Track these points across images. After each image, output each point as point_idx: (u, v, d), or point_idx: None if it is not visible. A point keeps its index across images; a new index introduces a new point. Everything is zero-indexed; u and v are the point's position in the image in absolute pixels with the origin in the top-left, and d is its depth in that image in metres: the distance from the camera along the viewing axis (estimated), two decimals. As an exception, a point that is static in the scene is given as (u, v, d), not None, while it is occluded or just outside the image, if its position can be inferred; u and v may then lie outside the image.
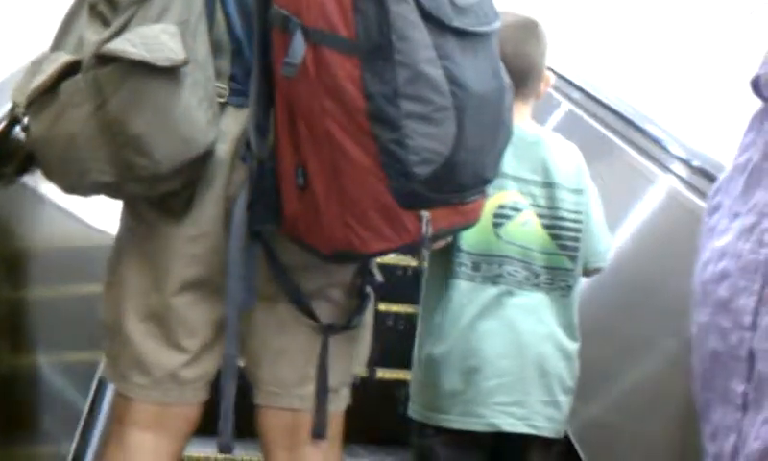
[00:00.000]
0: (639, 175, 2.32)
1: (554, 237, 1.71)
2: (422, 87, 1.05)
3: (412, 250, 1.20)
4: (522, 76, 1.67)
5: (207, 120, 1.15)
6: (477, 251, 1.68)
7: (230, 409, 1.21)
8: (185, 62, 1.08)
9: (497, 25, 1.16)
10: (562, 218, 1.72)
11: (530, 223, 1.70)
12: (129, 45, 1.05)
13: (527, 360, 1.69)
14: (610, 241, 1.82)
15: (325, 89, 1.06)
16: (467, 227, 1.24)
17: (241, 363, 1.31)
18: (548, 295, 1.72)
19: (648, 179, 2.28)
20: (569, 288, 1.74)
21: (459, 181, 1.12)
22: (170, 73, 1.07)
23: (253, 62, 1.16)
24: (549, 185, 1.72)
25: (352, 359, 1.35)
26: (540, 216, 1.71)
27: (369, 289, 1.34)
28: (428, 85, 1.06)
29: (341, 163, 1.08)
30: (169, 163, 1.11)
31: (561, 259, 1.72)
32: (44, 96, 1.11)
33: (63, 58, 1.10)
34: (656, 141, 2.30)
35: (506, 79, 1.17)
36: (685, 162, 2.10)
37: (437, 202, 1.11)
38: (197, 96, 1.12)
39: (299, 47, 1.05)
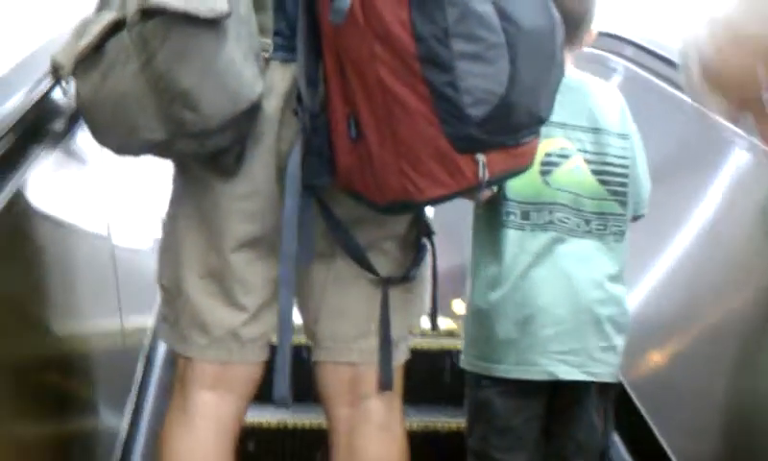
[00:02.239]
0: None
1: (603, 183, 1.72)
2: (473, 25, 1.05)
3: (468, 194, 1.19)
4: (574, 23, 1.66)
5: (253, 74, 1.15)
6: (526, 199, 1.69)
7: (287, 362, 1.23)
8: (229, 14, 1.08)
9: None
10: (609, 163, 1.73)
11: (578, 169, 1.71)
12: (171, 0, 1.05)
13: (581, 307, 1.70)
14: (649, 186, 1.84)
15: (374, 34, 1.06)
16: (522, 170, 1.23)
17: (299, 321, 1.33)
18: (600, 241, 1.73)
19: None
20: (621, 233, 1.75)
21: (514, 121, 1.11)
22: (214, 25, 1.08)
23: (299, 15, 1.16)
24: (596, 131, 1.73)
25: (410, 313, 1.37)
26: (588, 162, 1.72)
27: (424, 240, 1.34)
28: (479, 23, 1.05)
29: (393, 110, 1.07)
30: (217, 117, 1.12)
31: (611, 205, 1.73)
32: (91, 57, 1.11)
33: (108, 16, 1.11)
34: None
35: (557, 15, 1.16)
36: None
37: (492, 144, 1.11)
38: (241, 50, 1.13)
39: None
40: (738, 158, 1.97)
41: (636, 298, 2.13)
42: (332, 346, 1.33)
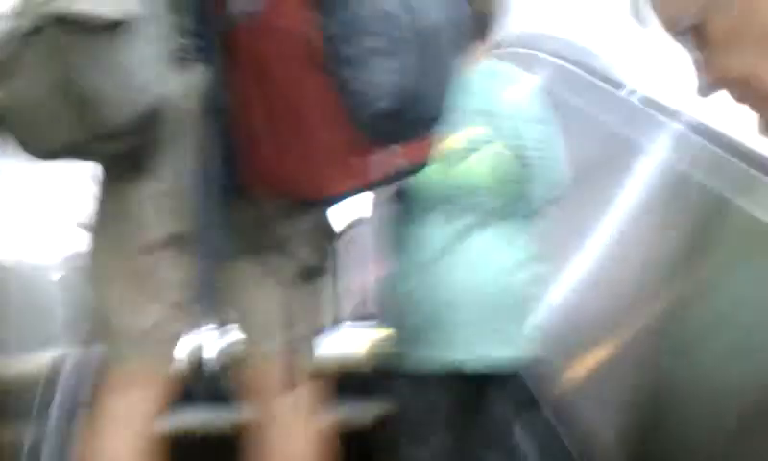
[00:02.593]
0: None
1: (520, 167, 1.76)
2: (379, 21, 1.07)
3: (379, 186, 1.23)
4: (485, 20, 1.75)
5: (164, 74, 1.17)
6: (447, 184, 1.72)
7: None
8: (136, 16, 1.10)
9: None
10: (525, 147, 1.77)
11: (498, 154, 1.75)
12: (84, 2, 1.07)
13: (497, 290, 1.74)
14: (566, 172, 1.89)
15: (283, 33, 1.09)
16: (432, 160, 1.27)
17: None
18: (518, 222, 1.79)
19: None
20: (536, 215, 1.81)
21: (420, 113, 1.15)
22: (124, 27, 1.09)
23: (211, 17, 1.18)
24: (512, 117, 1.78)
25: (318, 310, 1.40)
26: (506, 147, 1.76)
27: (329, 240, 1.38)
28: (385, 19, 1.08)
29: (304, 106, 1.10)
30: (126, 116, 1.13)
31: (529, 188, 1.78)
32: (4, 64, 1.12)
33: (22, 24, 1.12)
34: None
35: (464, 8, 1.20)
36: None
37: (400, 136, 1.15)
38: (152, 51, 1.14)
39: None
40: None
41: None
42: (244, 346, 1.36)
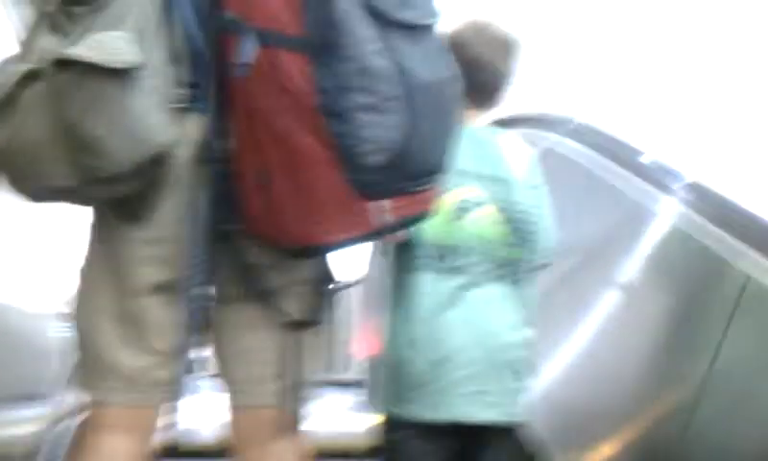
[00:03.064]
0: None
1: (512, 231, 1.80)
2: (371, 79, 1.12)
3: (372, 239, 1.27)
4: (491, 87, 1.83)
5: (164, 123, 1.20)
6: (441, 242, 1.76)
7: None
8: (139, 65, 1.14)
9: (438, 18, 1.24)
10: (519, 212, 1.81)
11: (490, 217, 1.79)
12: (85, 50, 1.11)
13: (490, 350, 1.76)
14: (554, 237, 1.91)
15: (278, 87, 1.13)
16: (425, 216, 1.30)
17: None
18: (509, 286, 1.81)
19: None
20: (527, 280, 1.84)
21: (412, 169, 1.18)
22: (125, 76, 1.13)
23: (209, 66, 1.22)
24: (507, 181, 1.82)
25: (316, 356, 1.41)
26: (499, 210, 1.80)
27: (328, 285, 1.40)
28: (376, 77, 1.12)
29: (298, 158, 1.14)
30: (126, 163, 1.16)
31: (519, 252, 1.81)
32: (4, 106, 1.15)
33: (21, 68, 1.15)
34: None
35: (454, 69, 1.25)
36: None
37: (392, 191, 1.18)
38: (153, 100, 1.18)
39: (250, 48, 1.12)
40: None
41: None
42: (241, 389, 1.37)
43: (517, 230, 1.80)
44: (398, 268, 1.80)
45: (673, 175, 2.18)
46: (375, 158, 1.13)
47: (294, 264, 1.33)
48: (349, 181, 1.14)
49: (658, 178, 2.24)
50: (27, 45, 1.19)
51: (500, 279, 1.80)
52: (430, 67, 1.18)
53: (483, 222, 1.78)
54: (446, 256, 1.75)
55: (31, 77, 1.14)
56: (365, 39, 1.12)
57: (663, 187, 2.19)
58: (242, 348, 1.35)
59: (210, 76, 1.22)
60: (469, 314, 1.76)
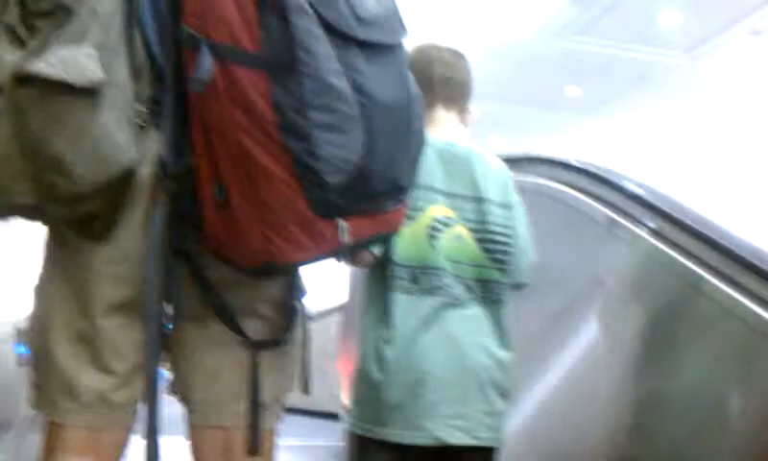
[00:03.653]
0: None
1: (485, 251, 1.79)
2: (329, 98, 1.12)
3: (332, 257, 1.25)
4: (460, 91, 1.86)
5: (127, 140, 1.19)
6: (414, 263, 1.74)
7: (157, 427, 1.24)
8: (102, 82, 1.12)
9: (404, 38, 1.24)
10: (491, 232, 1.79)
11: (461, 237, 1.78)
12: (46, 66, 1.08)
13: (467, 372, 1.75)
14: (531, 257, 1.90)
15: (236, 104, 1.12)
16: (388, 236, 1.31)
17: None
18: (482, 307, 1.79)
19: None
20: (501, 301, 1.82)
21: (372, 189, 1.19)
22: (88, 93, 1.11)
23: (167, 82, 1.21)
24: (478, 200, 1.80)
25: (284, 376, 1.40)
26: (471, 230, 1.78)
27: (297, 304, 1.38)
28: (334, 96, 1.12)
29: (256, 176, 1.13)
30: (89, 182, 1.14)
31: (491, 272, 1.80)
32: None
33: None
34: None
35: (415, 89, 1.25)
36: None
37: (351, 210, 1.18)
38: (115, 117, 1.16)
39: (206, 63, 1.11)
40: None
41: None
42: (205, 409, 1.35)
43: (490, 250, 1.79)
44: (372, 289, 1.80)
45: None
46: (334, 178, 1.13)
47: (255, 283, 1.32)
48: (308, 200, 1.14)
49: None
50: None
51: (475, 300, 1.78)
52: (390, 87, 1.18)
53: (454, 243, 1.77)
54: (419, 278, 1.74)
55: None
56: (323, 57, 1.12)
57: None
58: (204, 367, 1.33)
59: (168, 91, 1.21)
60: (444, 336, 1.74)
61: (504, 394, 1.81)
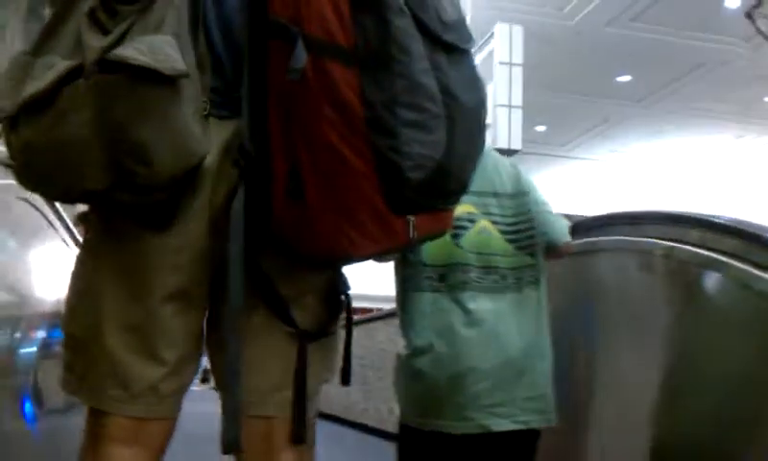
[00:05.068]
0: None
1: (510, 240, 1.91)
2: (419, 96, 1.15)
3: (396, 252, 1.30)
4: None
5: (201, 131, 1.21)
6: (441, 262, 1.85)
7: (237, 409, 1.26)
8: (187, 74, 1.14)
9: (473, 44, 1.28)
10: (514, 222, 1.92)
11: (486, 230, 1.89)
12: (137, 53, 1.09)
13: (507, 361, 1.85)
14: (565, 221, 2.05)
15: (325, 96, 1.14)
16: (443, 232, 1.33)
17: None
18: (518, 293, 1.90)
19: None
20: (537, 281, 1.94)
21: (447, 187, 1.22)
22: (173, 82, 1.12)
23: (245, 71, 1.23)
24: (496, 195, 1.93)
25: (325, 367, 1.42)
26: (495, 223, 1.91)
27: (342, 296, 1.40)
28: (424, 95, 1.15)
29: (336, 168, 1.15)
30: (168, 172, 1.16)
31: (522, 258, 1.92)
32: (39, 102, 1.12)
33: (64, 64, 1.12)
34: None
35: (485, 92, 1.28)
36: None
37: (426, 206, 1.21)
38: (192, 108, 1.18)
39: (301, 54, 1.13)
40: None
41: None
42: (250, 399, 1.35)
43: (516, 239, 1.92)
44: (407, 289, 1.91)
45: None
46: (415, 175, 1.16)
47: (306, 274, 1.33)
48: (387, 195, 1.16)
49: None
50: (55, 37, 1.16)
51: (508, 288, 1.89)
52: (468, 90, 1.21)
53: (481, 237, 1.88)
54: (447, 276, 1.86)
55: (71, 74, 1.11)
56: (417, 57, 1.15)
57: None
58: (247, 356, 1.33)
59: (244, 79, 1.24)
60: (481, 328, 1.85)
61: (546, 377, 1.90)
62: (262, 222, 1.23)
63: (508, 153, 6.55)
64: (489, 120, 6.48)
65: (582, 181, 13.41)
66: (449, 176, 1.20)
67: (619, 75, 9.76)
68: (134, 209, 1.24)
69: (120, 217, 1.27)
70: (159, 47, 1.11)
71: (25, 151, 1.15)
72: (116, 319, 1.27)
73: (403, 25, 1.14)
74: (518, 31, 6.61)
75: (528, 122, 7.21)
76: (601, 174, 13.09)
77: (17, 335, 2.17)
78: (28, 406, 2.24)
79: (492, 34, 6.66)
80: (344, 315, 1.41)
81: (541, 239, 1.95)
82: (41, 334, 2.41)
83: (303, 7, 1.14)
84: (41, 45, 1.17)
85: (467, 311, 1.82)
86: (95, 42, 1.11)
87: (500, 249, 1.89)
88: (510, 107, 6.41)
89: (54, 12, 1.17)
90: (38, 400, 2.37)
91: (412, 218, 1.20)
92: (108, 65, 1.09)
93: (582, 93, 10.10)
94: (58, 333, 2.24)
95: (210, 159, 1.25)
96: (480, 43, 6.96)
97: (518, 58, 6.48)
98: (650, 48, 8.77)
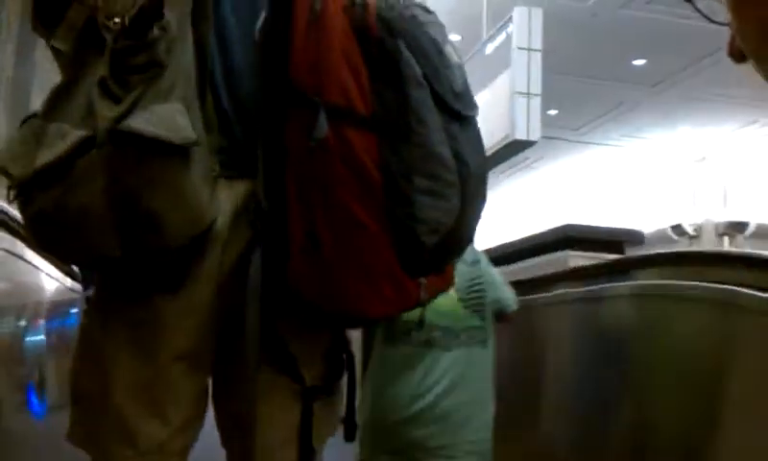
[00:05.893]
0: None
1: (463, 303, 2.21)
2: (435, 165, 1.20)
3: (406, 312, 1.34)
4: None
5: (210, 195, 1.23)
6: (409, 318, 2.06)
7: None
8: (197, 142, 1.16)
9: (477, 111, 1.33)
10: (467, 287, 2.21)
11: (447, 294, 2.08)
12: (148, 124, 1.11)
13: (455, 408, 2.17)
14: (511, 291, 2.37)
15: (345, 162, 1.18)
16: (448, 289, 1.40)
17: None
18: (470, 350, 2.22)
19: None
20: (485, 342, 2.27)
21: (457, 249, 1.30)
22: (183, 151, 1.14)
23: (260, 132, 1.27)
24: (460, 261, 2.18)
25: (329, 422, 1.44)
26: (456, 288, 2.18)
27: (344, 354, 1.42)
28: (440, 164, 1.20)
29: (353, 232, 1.19)
30: (178, 240, 1.19)
31: (473, 319, 2.23)
32: (52, 170, 1.13)
33: (76, 134, 1.14)
34: None
35: (486, 155, 1.35)
36: None
37: (437, 268, 1.28)
38: (201, 171, 1.20)
39: (323, 124, 1.16)
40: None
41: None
42: (256, 457, 1.36)
43: (466, 302, 2.21)
44: (375, 342, 2.23)
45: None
46: (430, 240, 1.21)
47: (318, 333, 1.37)
48: (402, 259, 1.21)
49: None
50: (68, 102, 1.17)
51: (462, 345, 2.19)
52: (477, 155, 1.27)
53: (442, 300, 2.08)
54: (413, 333, 2.14)
55: (87, 143, 1.13)
56: (434, 128, 1.19)
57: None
58: (265, 409, 1.34)
59: (262, 141, 1.26)
60: (438, 381, 2.16)
61: (490, 426, 2.23)
62: (277, 282, 1.26)
63: (525, 144, 6.38)
64: (504, 108, 6.32)
65: (595, 167, 13.31)
66: (459, 239, 1.26)
67: (634, 59, 9.63)
68: (144, 272, 1.25)
69: (130, 279, 1.28)
70: (169, 116, 1.13)
71: (38, 219, 1.18)
72: (125, 378, 1.29)
73: (421, 98, 1.18)
74: (538, 14, 6.36)
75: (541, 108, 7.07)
76: (614, 159, 12.99)
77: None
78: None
79: (510, 17, 6.43)
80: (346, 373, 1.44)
81: (493, 305, 2.27)
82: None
83: (325, 75, 1.18)
84: (52, 109, 1.19)
85: (426, 364, 2.14)
86: (107, 112, 1.13)
87: (456, 311, 2.19)
88: (528, 95, 6.20)
89: (65, 78, 1.19)
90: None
91: (424, 280, 1.25)
92: (120, 136, 1.11)
93: (596, 77, 9.97)
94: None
95: (221, 220, 1.27)
96: (498, 27, 6.77)
97: (537, 43, 6.25)
98: (666, 31, 8.63)
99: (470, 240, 1.34)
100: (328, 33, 1.18)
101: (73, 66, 1.19)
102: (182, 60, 1.18)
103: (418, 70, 1.19)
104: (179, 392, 1.30)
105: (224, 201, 1.27)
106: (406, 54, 1.18)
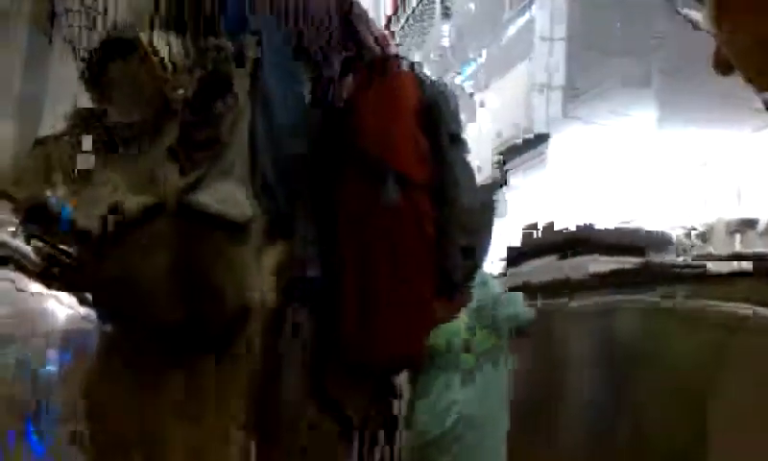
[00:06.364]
0: None
1: (479, 323, 2.23)
2: (468, 216, 1.40)
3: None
4: None
5: (259, 264, 1.31)
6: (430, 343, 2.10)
7: None
8: (255, 220, 1.24)
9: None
10: (479, 308, 2.22)
11: (463, 318, 2.19)
12: (213, 201, 1.18)
13: (474, 430, 2.22)
14: (521, 305, 2.37)
15: (407, 221, 1.35)
16: (458, 312, 1.61)
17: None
18: (482, 371, 2.25)
19: None
20: (497, 362, 2.30)
21: (475, 274, 1.46)
22: (243, 228, 1.23)
23: (308, 198, 1.37)
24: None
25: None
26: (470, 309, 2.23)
27: (393, 402, 1.59)
28: (471, 215, 1.39)
29: (409, 287, 1.34)
30: (235, 308, 1.25)
31: (487, 340, 2.27)
32: (121, 233, 1.20)
33: (147, 199, 1.22)
34: None
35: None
36: None
37: (459, 291, 1.42)
38: (255, 245, 1.28)
39: (394, 188, 1.31)
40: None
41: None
42: None
43: (480, 322, 2.22)
44: None
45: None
46: (458, 277, 1.44)
47: (370, 389, 1.50)
48: (438, 295, 1.40)
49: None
50: (140, 171, 1.23)
51: (481, 365, 2.23)
52: (490, 195, 1.44)
53: (453, 324, 2.15)
54: (434, 356, 2.12)
55: (153, 214, 1.21)
56: (468, 188, 1.37)
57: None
58: (311, 450, 1.45)
59: (300, 205, 1.36)
60: (456, 400, 2.19)
61: (502, 446, 2.32)
62: (328, 346, 1.33)
63: (542, 137, 6.18)
64: (523, 101, 6.14)
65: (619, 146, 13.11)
66: (480, 267, 1.47)
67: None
68: (197, 337, 1.30)
69: (191, 347, 1.33)
70: (232, 194, 1.18)
71: (104, 281, 1.24)
72: (177, 440, 1.32)
73: (453, 158, 1.33)
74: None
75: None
76: (635, 138, 12.79)
77: None
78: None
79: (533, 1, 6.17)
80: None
81: (508, 322, 2.27)
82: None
83: (393, 147, 1.31)
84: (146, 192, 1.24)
85: (445, 387, 2.14)
86: (173, 183, 1.20)
87: (468, 331, 2.19)
88: (549, 87, 6.01)
89: (133, 142, 1.25)
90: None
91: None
92: (187, 209, 1.16)
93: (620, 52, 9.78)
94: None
95: (265, 286, 1.33)
96: (519, 8, 6.51)
97: (561, 32, 6.00)
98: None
99: (480, 266, 1.43)
100: (398, 103, 1.32)
101: (148, 139, 1.22)
102: (241, 137, 1.22)
103: (452, 127, 1.33)
104: (225, 456, 1.33)
105: (266, 265, 1.32)
106: (445, 118, 1.34)
